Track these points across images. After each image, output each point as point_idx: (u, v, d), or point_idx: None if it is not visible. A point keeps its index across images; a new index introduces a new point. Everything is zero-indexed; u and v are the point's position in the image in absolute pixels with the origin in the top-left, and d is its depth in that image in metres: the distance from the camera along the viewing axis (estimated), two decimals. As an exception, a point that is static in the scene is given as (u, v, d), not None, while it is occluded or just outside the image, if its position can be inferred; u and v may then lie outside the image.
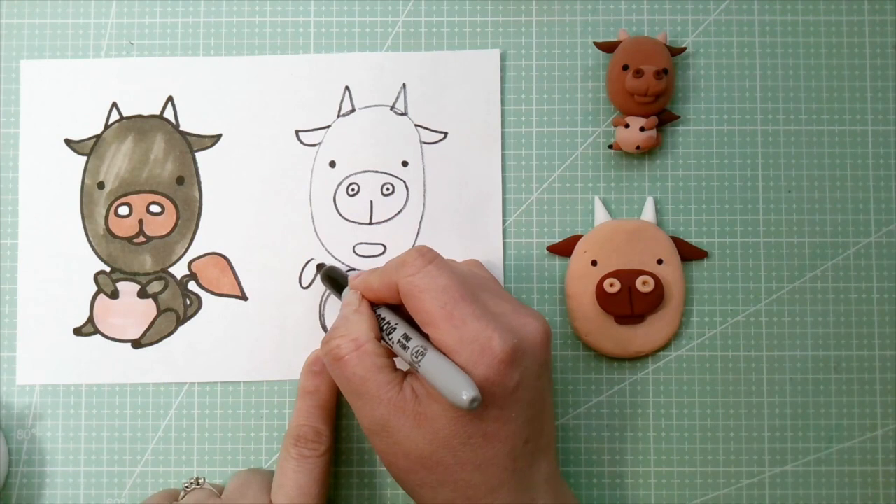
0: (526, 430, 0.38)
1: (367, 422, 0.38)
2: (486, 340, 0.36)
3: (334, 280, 0.44)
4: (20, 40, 0.47)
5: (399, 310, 0.40)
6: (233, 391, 0.46)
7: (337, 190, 0.46)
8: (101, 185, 0.46)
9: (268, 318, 0.46)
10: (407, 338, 0.38)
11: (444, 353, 0.36)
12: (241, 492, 0.42)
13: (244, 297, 0.46)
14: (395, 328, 0.39)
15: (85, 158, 0.46)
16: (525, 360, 0.37)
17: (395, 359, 0.40)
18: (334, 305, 0.46)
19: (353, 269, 0.46)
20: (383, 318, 0.40)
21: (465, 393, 0.34)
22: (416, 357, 0.36)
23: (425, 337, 0.38)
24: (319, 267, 0.46)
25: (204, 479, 0.44)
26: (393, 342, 0.38)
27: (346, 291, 0.42)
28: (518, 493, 0.37)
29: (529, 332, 0.38)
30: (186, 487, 0.43)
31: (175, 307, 0.46)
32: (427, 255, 0.38)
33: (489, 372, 0.35)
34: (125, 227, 0.46)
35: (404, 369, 0.39)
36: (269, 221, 0.46)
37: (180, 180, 0.46)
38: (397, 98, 0.47)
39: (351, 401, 0.39)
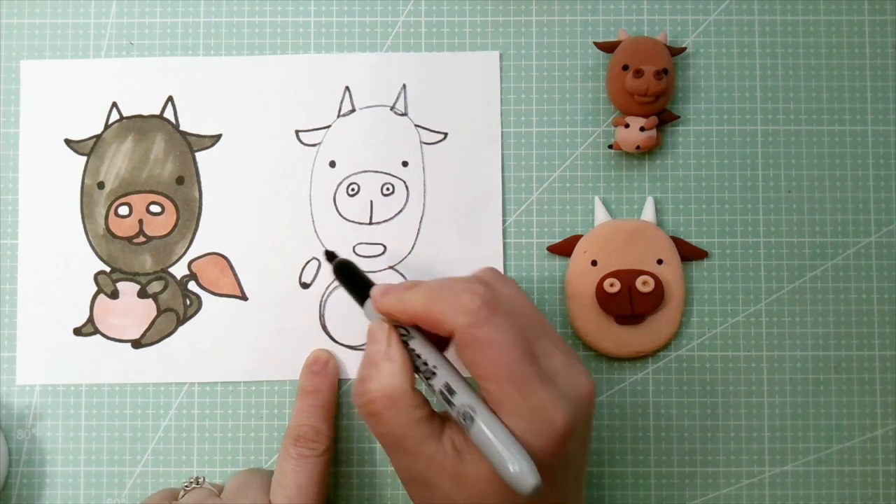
0: (570, 497, 0.36)
1: (405, 474, 0.36)
2: (549, 411, 0.33)
3: (351, 277, 0.40)
4: (20, 40, 0.47)
5: (428, 335, 0.37)
6: (233, 391, 0.46)
7: (337, 190, 0.46)
8: (101, 185, 0.46)
9: (268, 318, 0.46)
10: (450, 390, 0.34)
11: (495, 412, 0.34)
12: (240, 491, 0.42)
13: (244, 297, 0.46)
14: (434, 372, 0.35)
15: (85, 158, 0.46)
16: (578, 427, 0.34)
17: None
18: (334, 305, 0.46)
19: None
20: (419, 357, 0.36)
21: (526, 478, 0.31)
22: (465, 420, 0.33)
23: (467, 382, 0.35)
24: (330, 256, 0.43)
25: (204, 479, 0.44)
26: (434, 389, 0.35)
27: (369, 307, 0.38)
28: None
29: (582, 394, 0.35)
30: (186, 487, 0.43)
31: (175, 307, 0.46)
32: (491, 304, 0.34)
33: (548, 445, 0.33)
34: (125, 227, 0.46)
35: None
36: (269, 221, 0.46)
37: (180, 180, 0.46)
38: (397, 98, 0.47)
39: (387, 451, 0.37)
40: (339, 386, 0.45)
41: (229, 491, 0.42)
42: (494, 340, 0.34)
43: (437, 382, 0.35)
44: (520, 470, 0.31)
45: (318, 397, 0.43)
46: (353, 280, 0.40)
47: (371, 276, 0.46)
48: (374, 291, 0.38)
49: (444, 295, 0.35)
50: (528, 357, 0.34)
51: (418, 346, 0.36)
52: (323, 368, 0.44)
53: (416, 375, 0.37)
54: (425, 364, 0.36)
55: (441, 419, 0.36)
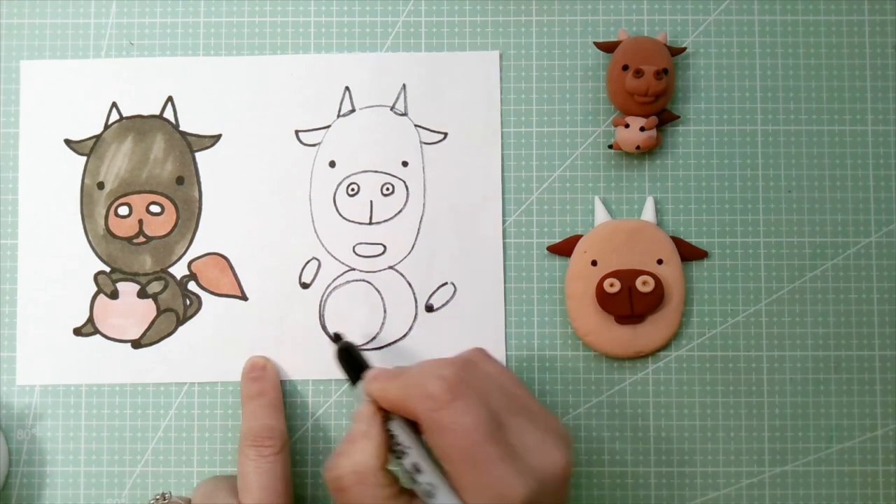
0: None
1: None
2: (506, 488, 0.34)
3: (350, 360, 0.42)
4: (20, 40, 0.47)
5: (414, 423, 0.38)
6: (233, 391, 0.46)
7: (337, 190, 0.46)
8: (100, 186, 0.46)
9: (268, 318, 0.46)
10: (417, 469, 0.37)
11: (457, 492, 0.35)
12: (209, 500, 0.41)
13: (244, 297, 0.46)
14: (406, 452, 0.37)
15: (85, 158, 0.46)
16: (544, 502, 0.35)
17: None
18: (334, 305, 0.46)
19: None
20: (394, 437, 0.38)
21: None
22: (426, 497, 0.36)
23: (438, 465, 0.37)
24: (336, 338, 0.44)
25: (170, 494, 0.44)
26: (403, 467, 0.38)
27: (360, 390, 0.40)
28: None
29: (553, 472, 0.36)
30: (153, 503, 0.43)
31: (175, 307, 0.46)
32: (455, 388, 0.36)
33: None
34: (125, 227, 0.46)
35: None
36: (269, 221, 0.46)
37: (180, 180, 0.46)
38: (397, 98, 0.47)
39: None
40: (282, 386, 0.45)
41: (197, 500, 0.42)
42: (454, 424, 0.35)
43: (407, 462, 0.37)
44: None
45: (265, 399, 0.43)
46: (352, 363, 0.42)
47: (371, 276, 0.46)
48: (367, 375, 0.40)
49: (414, 383, 0.37)
50: (489, 438, 0.35)
51: (396, 427, 0.38)
52: (262, 373, 0.45)
53: (391, 454, 0.38)
54: (398, 444, 0.38)
55: (409, 496, 0.37)
